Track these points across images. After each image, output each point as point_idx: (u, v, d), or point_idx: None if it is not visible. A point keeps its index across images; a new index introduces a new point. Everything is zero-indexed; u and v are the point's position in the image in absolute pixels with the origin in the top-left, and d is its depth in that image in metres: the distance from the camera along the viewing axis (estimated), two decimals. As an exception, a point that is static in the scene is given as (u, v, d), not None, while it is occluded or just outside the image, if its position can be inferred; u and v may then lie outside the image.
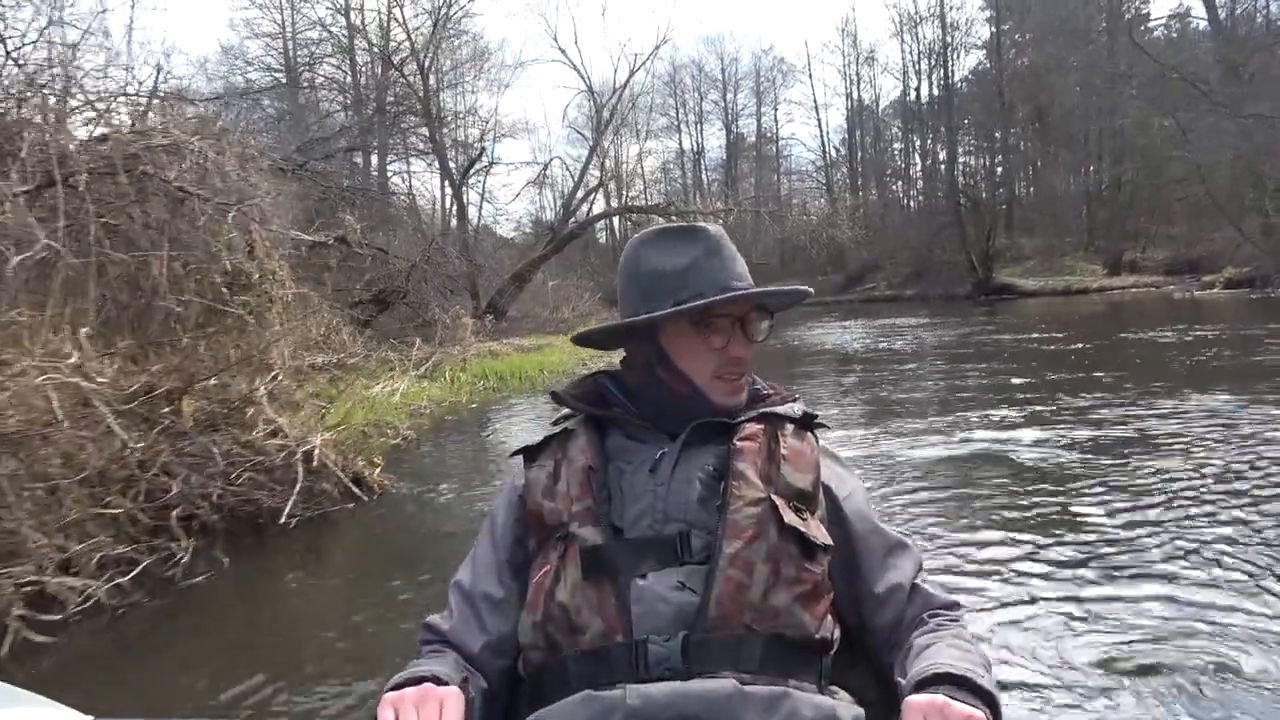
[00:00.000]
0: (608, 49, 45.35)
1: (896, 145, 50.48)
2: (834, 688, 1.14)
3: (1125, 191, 35.55)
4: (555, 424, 1.31)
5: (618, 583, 1.09)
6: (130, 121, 6.51)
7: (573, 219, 25.97)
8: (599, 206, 30.83)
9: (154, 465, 3.70)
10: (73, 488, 3.41)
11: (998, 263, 35.60)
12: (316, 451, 4.30)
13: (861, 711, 1.07)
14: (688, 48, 63.89)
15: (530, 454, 1.28)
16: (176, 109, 7.44)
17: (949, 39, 42.37)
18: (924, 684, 1.00)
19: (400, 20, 24.00)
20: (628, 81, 26.28)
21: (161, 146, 5.68)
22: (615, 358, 1.38)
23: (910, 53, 45.82)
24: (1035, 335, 14.96)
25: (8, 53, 6.55)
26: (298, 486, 4.06)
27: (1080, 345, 12.77)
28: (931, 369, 11.66)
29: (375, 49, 25.52)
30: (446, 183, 26.23)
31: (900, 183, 49.89)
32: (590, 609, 1.08)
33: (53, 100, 6.54)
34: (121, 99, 6.74)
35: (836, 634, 1.17)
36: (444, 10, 23.32)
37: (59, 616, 3.16)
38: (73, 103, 6.68)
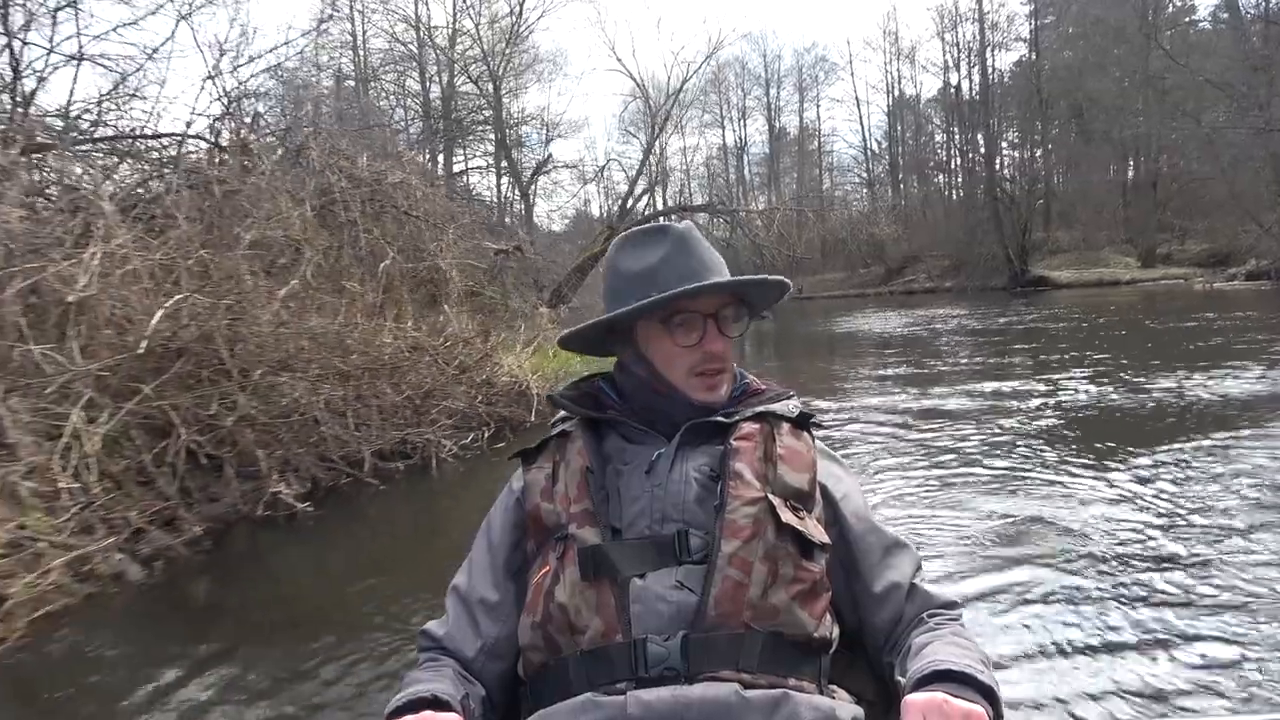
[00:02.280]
0: (661, 57, 47.67)
1: (939, 136, 52.25)
2: (833, 687, 1.17)
3: (1161, 186, 37.19)
4: (553, 426, 1.34)
5: (616, 583, 1.12)
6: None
7: (628, 216, 28.49)
8: (644, 202, 33.46)
9: (450, 391, 6.26)
10: (414, 399, 5.97)
11: (1034, 255, 37.32)
12: (532, 384, 6.88)
13: (861, 711, 1.11)
14: (731, 45, 66.06)
15: (528, 456, 1.33)
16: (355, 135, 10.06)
17: (988, 37, 44.04)
18: (923, 682, 1.03)
19: (475, 35, 26.53)
20: (681, 88, 28.64)
21: (392, 184, 8.24)
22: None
23: (950, 50, 47.58)
24: (1048, 321, 17.02)
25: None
26: (534, 404, 6.64)
27: (1079, 328, 14.87)
28: (960, 349, 13.59)
29: (447, 58, 28.21)
30: (513, 182, 28.94)
31: (941, 176, 51.62)
32: (589, 609, 1.12)
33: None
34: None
35: (835, 633, 1.20)
36: (515, 26, 25.81)
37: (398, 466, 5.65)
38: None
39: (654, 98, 30.40)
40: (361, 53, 34.17)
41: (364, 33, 33.91)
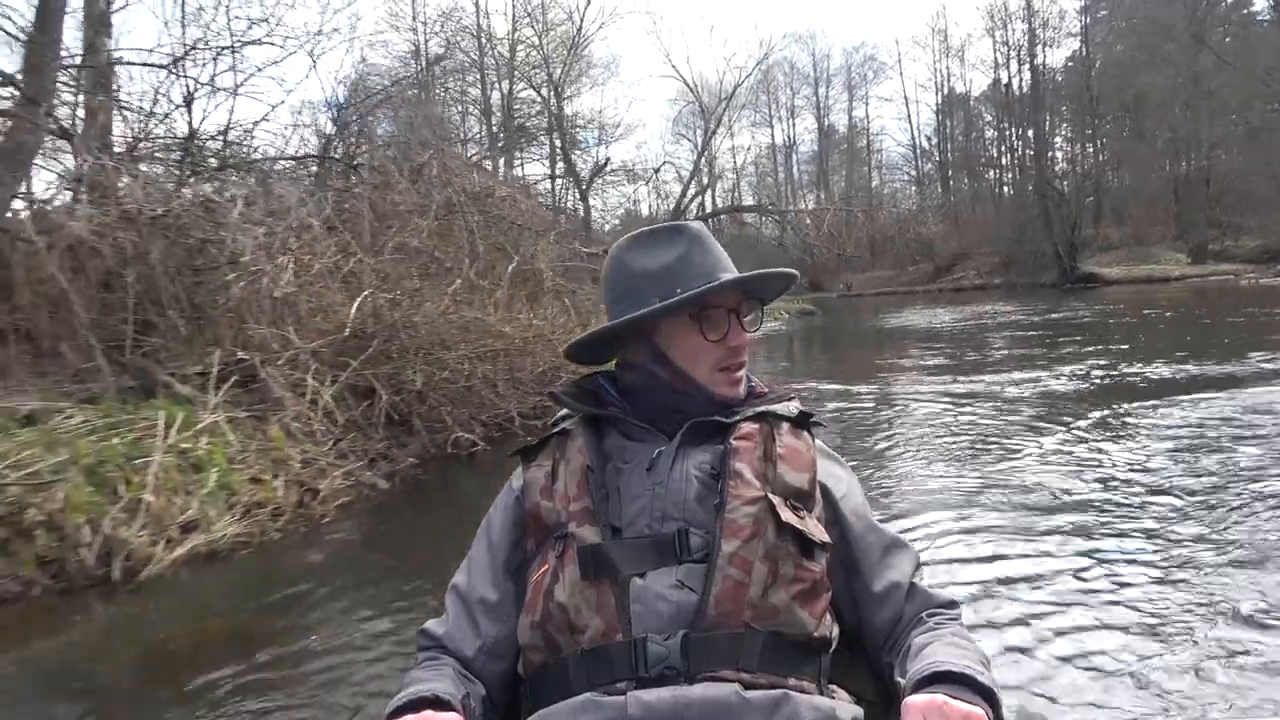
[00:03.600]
0: (713, 62, 49.19)
1: (990, 132, 52.91)
2: (833, 687, 1.20)
3: (1213, 182, 37.62)
4: (553, 425, 1.37)
5: (616, 582, 1.13)
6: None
7: (682, 217, 30.00)
8: (695, 202, 34.93)
9: (565, 368, 7.83)
10: (544, 375, 7.53)
11: (1084, 252, 37.93)
12: None
13: (860, 711, 1.12)
14: (779, 45, 67.27)
15: (528, 455, 1.35)
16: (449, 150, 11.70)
17: (1038, 34, 44.65)
18: (923, 683, 1.04)
19: (538, 45, 28.24)
20: (733, 93, 30.04)
21: (500, 197, 9.85)
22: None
23: (1000, 48, 48.24)
24: (1094, 316, 18.00)
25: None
26: None
27: (1126, 323, 15.89)
28: (1003, 342, 14.48)
29: (508, 66, 30.01)
30: (570, 185, 30.60)
31: (992, 173, 52.24)
32: (589, 608, 1.13)
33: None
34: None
35: (835, 632, 1.23)
36: (575, 38, 27.46)
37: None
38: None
39: (706, 102, 31.84)
40: (423, 61, 36.37)
41: (425, 41, 36.05)
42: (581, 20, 28.01)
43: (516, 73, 30.05)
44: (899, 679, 1.13)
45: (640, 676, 1.07)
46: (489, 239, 9.24)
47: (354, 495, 5.13)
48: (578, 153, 31.28)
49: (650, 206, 50.19)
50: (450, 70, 35.73)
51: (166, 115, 10.24)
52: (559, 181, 31.81)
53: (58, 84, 8.80)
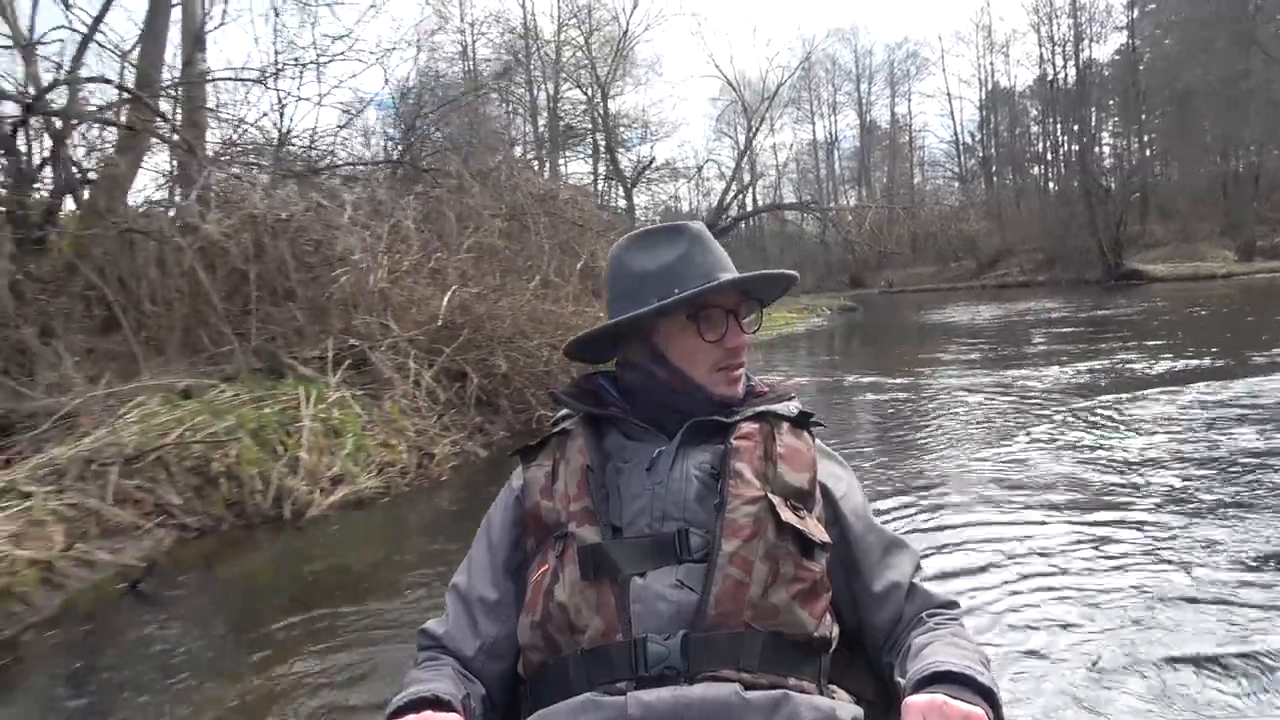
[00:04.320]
0: (755, 61, 49.88)
1: (1035, 127, 52.88)
2: (833, 687, 1.21)
3: (1263, 178, 37.46)
4: (553, 425, 1.38)
5: (616, 581, 1.14)
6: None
7: (725, 215, 30.78)
8: (737, 199, 35.70)
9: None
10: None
11: (1130, 249, 37.91)
12: None
13: (860, 711, 1.13)
14: (820, 40, 67.68)
15: (528, 454, 1.36)
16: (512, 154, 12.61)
17: (1084, 30, 44.65)
18: (923, 683, 1.05)
19: (584, 47, 29.16)
20: (775, 93, 30.72)
21: (564, 199, 10.72)
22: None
23: (1045, 43, 48.23)
24: (1133, 313, 18.39)
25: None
26: None
27: (1166, 320, 16.26)
28: (1039, 338, 14.84)
29: (554, 67, 31.00)
30: (613, 183, 31.58)
31: (1037, 168, 52.22)
32: (589, 608, 1.14)
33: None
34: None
35: (835, 632, 1.24)
36: (621, 41, 28.34)
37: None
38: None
39: (749, 100, 32.53)
40: (471, 62, 37.54)
41: (473, 42, 37.19)
42: (628, 23, 28.98)
43: (563, 73, 30.99)
44: (899, 679, 1.14)
45: (640, 676, 1.08)
46: (555, 239, 10.12)
47: (460, 460, 6.04)
48: (621, 151, 32.22)
49: (691, 203, 51.03)
50: (498, 73, 37.01)
51: (257, 123, 11.32)
52: (601, 179, 32.82)
53: (161, 96, 9.84)
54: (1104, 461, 5.03)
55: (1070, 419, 6.40)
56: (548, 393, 1.53)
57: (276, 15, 11.13)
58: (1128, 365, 9.31)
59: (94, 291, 7.20)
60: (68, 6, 9.05)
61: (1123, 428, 5.96)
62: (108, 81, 8.34)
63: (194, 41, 10.83)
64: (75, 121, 8.59)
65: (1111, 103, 46.17)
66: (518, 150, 25.62)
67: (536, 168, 30.06)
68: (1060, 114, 48.12)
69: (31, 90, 7.99)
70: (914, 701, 1.00)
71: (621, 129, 32.44)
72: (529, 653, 1.22)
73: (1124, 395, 7.21)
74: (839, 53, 55.78)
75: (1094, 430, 5.92)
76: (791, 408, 1.33)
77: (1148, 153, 46.47)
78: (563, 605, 1.15)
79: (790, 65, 42.10)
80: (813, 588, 1.18)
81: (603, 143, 31.81)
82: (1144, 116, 44.68)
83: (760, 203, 40.27)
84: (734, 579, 1.13)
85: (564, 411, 1.38)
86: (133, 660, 3.17)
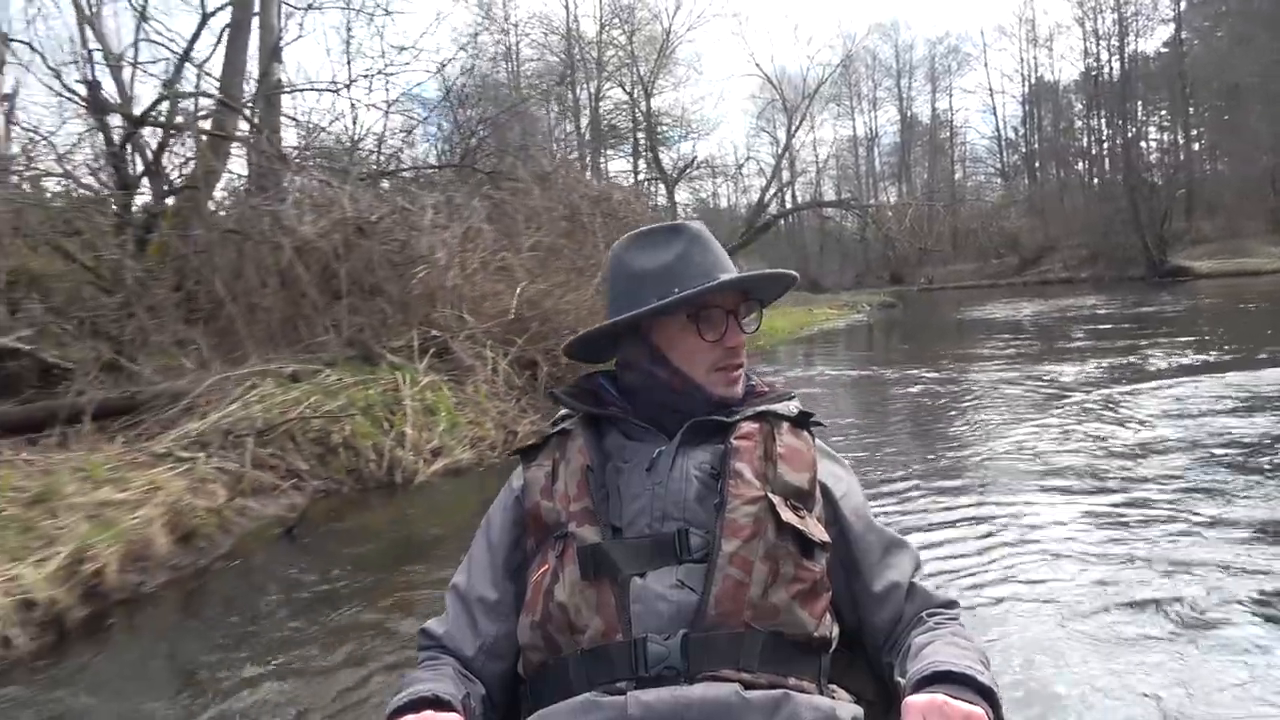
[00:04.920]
0: (796, 59, 50.18)
1: (1078, 123, 52.61)
2: (833, 686, 1.22)
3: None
4: (554, 424, 1.39)
5: (616, 582, 1.15)
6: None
7: (764, 212, 31.31)
8: (776, 196, 36.18)
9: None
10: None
11: (1176, 245, 37.76)
12: None
13: (860, 711, 1.14)
14: (861, 37, 67.89)
15: (528, 454, 1.38)
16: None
17: (1129, 23, 44.44)
18: (923, 683, 1.06)
19: (627, 48, 29.86)
20: (816, 90, 31.19)
21: (617, 200, 11.41)
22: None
23: (1090, 37, 48.02)
24: (1176, 309, 18.67)
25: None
26: None
27: (1209, 316, 16.56)
28: (1082, 334, 14.79)
29: (597, 68, 31.73)
30: (654, 181, 32.21)
31: (1081, 163, 51.95)
32: (589, 608, 1.15)
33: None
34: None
35: (835, 632, 1.25)
36: (664, 42, 29.00)
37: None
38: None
39: (789, 98, 33.00)
40: (515, 63, 38.43)
41: (517, 43, 38.07)
42: (670, 24, 29.69)
43: (605, 73, 31.72)
44: (899, 679, 1.16)
45: (640, 676, 1.10)
46: (609, 238, 10.81)
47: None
48: (662, 149, 32.88)
49: (729, 200, 51.58)
50: (557, 81, 37.93)
51: (329, 127, 12.16)
52: (642, 177, 33.52)
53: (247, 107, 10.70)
54: (1134, 453, 5.22)
55: (1104, 411, 6.65)
56: (547, 393, 1.43)
57: (349, 32, 11.88)
58: (1170, 359, 9.51)
59: (199, 286, 8.06)
60: (144, 17, 9.90)
61: (1165, 418, 6.17)
62: (210, 96, 9.16)
63: (270, 54, 11.70)
64: (174, 132, 9.47)
65: (1158, 97, 45.87)
66: (562, 146, 26.46)
67: (578, 168, 30.97)
68: (1105, 109, 47.89)
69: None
70: (914, 701, 1.01)
71: (664, 128, 33.13)
72: (529, 653, 1.23)
73: (1163, 387, 7.46)
74: (879, 48, 55.99)
75: (1126, 424, 6.14)
76: (791, 407, 1.35)
77: (1195, 147, 46.13)
78: (563, 605, 1.17)
79: (831, 62, 42.28)
80: (813, 588, 1.20)
81: (643, 141, 32.48)
82: (1191, 110, 44.36)
83: (800, 199, 40.78)
84: (734, 579, 1.14)
85: (564, 411, 1.39)
86: (286, 588, 3.91)
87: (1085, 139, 51.72)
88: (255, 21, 11.41)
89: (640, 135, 31.33)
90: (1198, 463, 4.89)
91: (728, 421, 1.29)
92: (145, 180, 9.19)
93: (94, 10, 10.10)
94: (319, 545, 4.56)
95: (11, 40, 8.93)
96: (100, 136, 9.30)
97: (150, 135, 9.37)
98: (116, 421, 5.91)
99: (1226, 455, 4.98)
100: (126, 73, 10.19)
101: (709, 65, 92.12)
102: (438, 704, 1.11)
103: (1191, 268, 34.90)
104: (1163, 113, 46.69)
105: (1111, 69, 47.09)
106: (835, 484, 1.33)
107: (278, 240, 7.63)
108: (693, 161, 31.46)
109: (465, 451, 5.90)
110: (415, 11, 26.09)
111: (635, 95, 29.92)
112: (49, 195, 8.56)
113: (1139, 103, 45.51)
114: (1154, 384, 7.78)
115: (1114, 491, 4.46)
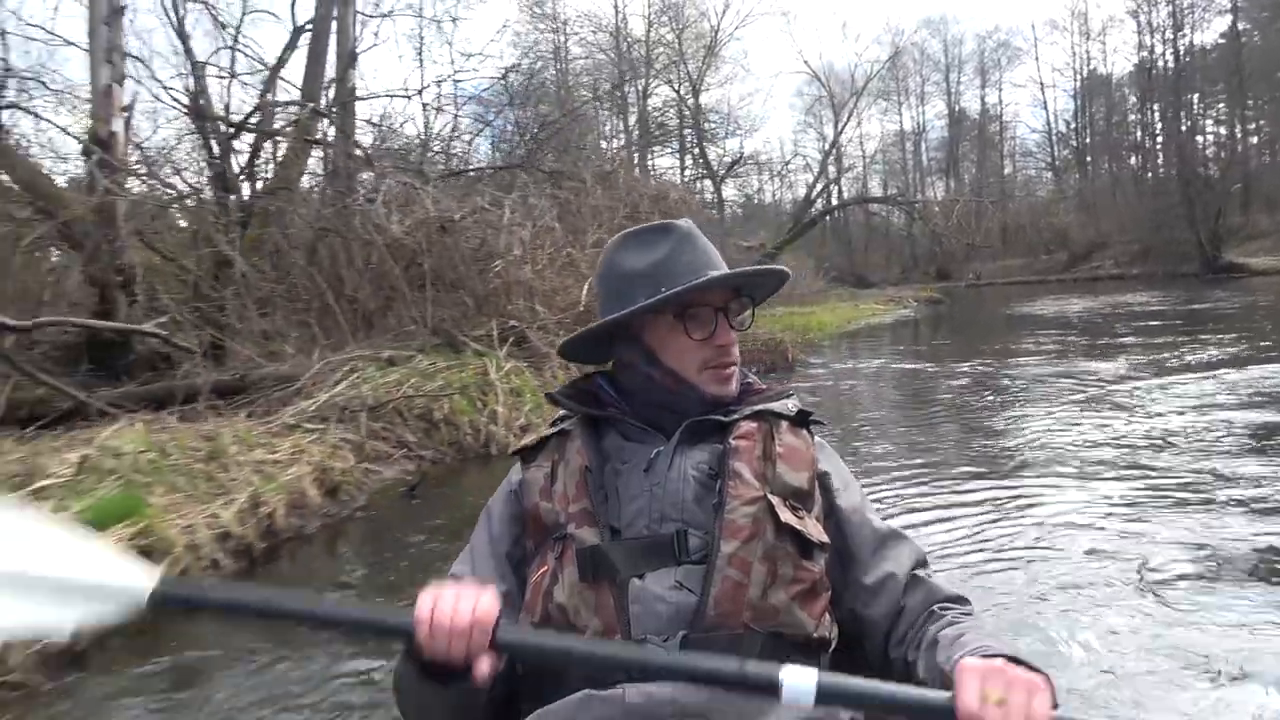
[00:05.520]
0: (844, 56, 50.40)
1: (1132, 116, 52.11)
2: None
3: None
4: (553, 425, 1.39)
5: (615, 583, 1.16)
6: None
7: (811, 209, 31.77)
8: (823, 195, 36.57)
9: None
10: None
11: (1230, 241, 37.36)
12: (785, 338, 10.55)
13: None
14: (909, 31, 67.76)
15: (527, 455, 1.37)
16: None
17: (1185, 14, 43.95)
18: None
19: (676, 47, 30.49)
20: (864, 88, 31.53)
21: (674, 200, 12.08)
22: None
23: (1144, 28, 47.55)
24: (1225, 308, 18.86)
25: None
26: (788, 353, 10.33)
27: (1253, 315, 16.78)
28: (1127, 330, 15.08)
29: (646, 66, 32.40)
30: (701, 176, 32.86)
31: (1136, 157, 51.41)
32: (588, 609, 1.16)
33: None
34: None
35: (834, 632, 1.25)
36: (713, 40, 29.59)
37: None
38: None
39: (837, 94, 33.38)
40: (563, 61, 39.22)
41: (565, 41, 38.86)
42: (719, 23, 30.28)
43: (653, 71, 32.38)
44: (926, 673, 1.15)
45: (639, 678, 1.09)
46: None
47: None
48: (711, 147, 33.48)
49: (773, 194, 51.96)
50: (589, 70, 38.72)
51: (400, 127, 13.00)
52: (689, 174, 34.15)
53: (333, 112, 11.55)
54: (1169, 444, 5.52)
55: (1147, 405, 6.90)
56: (545, 396, 1.51)
57: (421, 41, 12.72)
58: (1221, 354, 9.69)
59: (298, 280, 8.90)
60: (236, 39, 10.78)
61: (1208, 411, 6.42)
62: (303, 105, 10.00)
63: (347, 62, 12.55)
64: (267, 137, 10.35)
65: (1215, 89, 45.30)
66: (611, 144, 27.21)
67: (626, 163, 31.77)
68: (1159, 102, 47.42)
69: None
70: (970, 663, 0.97)
71: (711, 125, 33.72)
72: None
73: (1208, 381, 7.73)
74: (928, 43, 55.85)
75: (1167, 416, 6.40)
76: (790, 406, 1.35)
77: (1254, 140, 45.49)
78: (562, 606, 1.18)
79: (879, 58, 42.44)
80: (812, 588, 1.20)
81: (690, 138, 33.11)
82: (1250, 103, 43.76)
83: (846, 195, 41.09)
84: (733, 580, 1.15)
85: (563, 412, 1.39)
86: (413, 532, 4.65)
87: (1139, 133, 51.23)
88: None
89: (688, 132, 31.95)
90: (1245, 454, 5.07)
91: (726, 421, 1.30)
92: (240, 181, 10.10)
93: (180, 17, 11.03)
94: (433, 502, 5.31)
95: (129, 56, 9.83)
96: (195, 140, 10.24)
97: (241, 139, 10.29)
98: (225, 401, 6.69)
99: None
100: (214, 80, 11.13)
101: (756, 61, 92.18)
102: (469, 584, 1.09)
103: (1247, 264, 34.45)
104: (1220, 106, 46.09)
105: (1166, 61, 46.64)
106: (833, 481, 1.34)
107: (370, 237, 8.42)
108: (740, 158, 32.02)
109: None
110: (476, 18, 26.93)
111: (683, 93, 30.60)
112: (165, 197, 9.44)
113: (1194, 95, 44.96)
114: (1199, 379, 7.97)
115: (1140, 479, 4.75)
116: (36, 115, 8.97)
